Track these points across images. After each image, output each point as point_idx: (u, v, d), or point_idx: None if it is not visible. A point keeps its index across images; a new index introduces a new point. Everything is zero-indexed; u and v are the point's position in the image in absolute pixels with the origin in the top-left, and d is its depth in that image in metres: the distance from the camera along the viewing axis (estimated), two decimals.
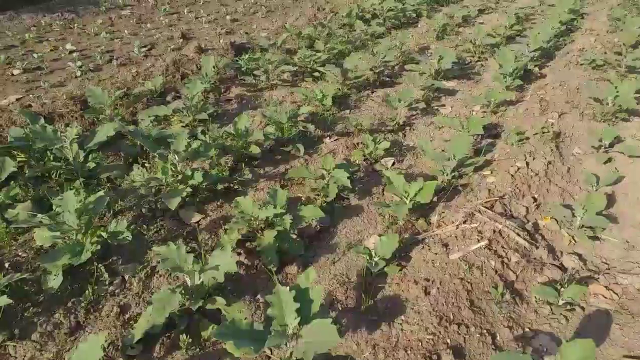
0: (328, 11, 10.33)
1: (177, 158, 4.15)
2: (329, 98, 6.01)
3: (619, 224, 4.21)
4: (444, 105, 6.53)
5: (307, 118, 5.94)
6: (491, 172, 4.78)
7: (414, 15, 10.19)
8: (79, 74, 7.28)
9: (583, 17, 10.35)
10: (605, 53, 8.10)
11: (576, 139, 5.50)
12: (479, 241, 3.61)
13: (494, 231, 3.74)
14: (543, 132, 5.27)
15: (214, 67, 7.05)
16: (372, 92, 6.94)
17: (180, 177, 4.15)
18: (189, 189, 4.11)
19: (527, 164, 4.76)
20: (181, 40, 8.88)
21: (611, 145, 5.35)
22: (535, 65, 7.40)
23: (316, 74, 7.17)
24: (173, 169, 4.16)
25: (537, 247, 3.73)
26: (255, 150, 4.80)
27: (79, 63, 7.52)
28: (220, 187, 4.39)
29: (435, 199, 4.51)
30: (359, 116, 6.15)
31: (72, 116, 5.56)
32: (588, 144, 5.31)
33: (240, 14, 11.00)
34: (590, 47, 8.14)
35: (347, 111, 6.27)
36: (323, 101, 6.02)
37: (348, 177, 4.37)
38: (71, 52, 8.36)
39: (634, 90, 5.99)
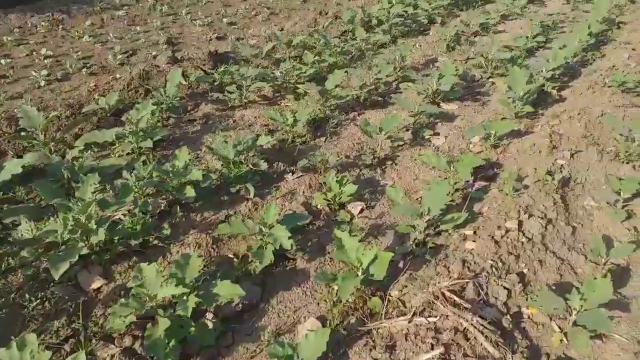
0: (331, 16, 9.45)
1: (79, 207, 3.40)
2: (299, 124, 5.18)
3: (631, 312, 3.25)
4: (438, 134, 5.60)
5: (274, 146, 5.15)
6: (474, 232, 3.86)
7: (426, 22, 9.19)
8: (42, 83, 6.66)
9: (619, 26, 9.14)
10: None
11: (590, 186, 4.52)
12: (432, 347, 2.73)
13: (456, 331, 2.85)
14: (547, 179, 4.30)
15: (185, 80, 6.33)
16: (359, 115, 6.06)
17: (79, 232, 3.40)
18: (85, 250, 3.36)
19: (520, 224, 3.83)
20: (165, 46, 8.18)
21: (635, 195, 4.37)
22: (554, 87, 6.37)
23: (300, 90, 6.34)
24: (75, 221, 3.41)
25: (513, 353, 2.83)
26: (190, 193, 4.02)
27: (44, 72, 6.91)
28: (134, 242, 3.63)
29: (401, 263, 3.65)
30: (336, 145, 5.30)
31: (3, 140, 4.90)
32: (605, 194, 4.32)
33: (240, 17, 10.24)
34: (623, 65, 7.02)
35: (323, 139, 5.42)
36: (294, 127, 5.20)
37: (290, 237, 3.54)
38: (47, 57, 7.78)
39: None
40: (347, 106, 6.20)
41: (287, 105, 6.21)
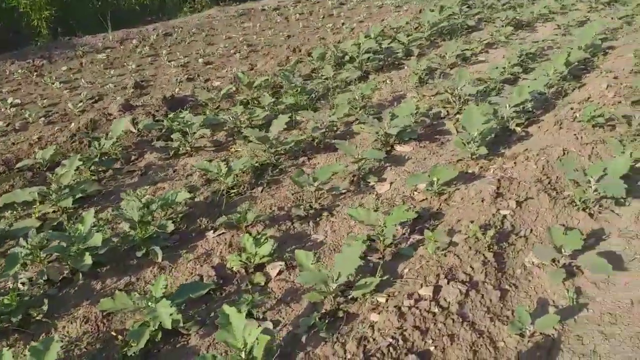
0: (304, 53, 9.27)
1: None
2: (232, 174, 4.92)
3: None
4: (384, 179, 5.25)
5: (206, 198, 4.90)
6: (387, 299, 3.48)
7: (401, 55, 8.90)
8: None
9: (606, 53, 8.67)
10: (620, 103, 6.51)
11: (536, 239, 4.10)
12: None
13: None
14: (478, 235, 3.89)
15: (134, 128, 6.18)
16: (310, 160, 5.77)
17: None
18: None
19: (436, 290, 3.43)
20: (132, 90, 8.11)
21: (585, 249, 3.94)
22: (518, 124, 5.96)
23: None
24: None
25: None
26: (87, 260, 3.77)
27: (1, 123, 6.87)
28: (15, 319, 3.38)
29: (304, 338, 3.30)
30: (272, 195, 5.01)
31: None
32: (547, 249, 3.89)
33: (217, 56, 10.17)
34: (599, 96, 6.57)
35: (260, 189, 5.14)
36: (227, 177, 4.94)
37: (180, 311, 3.24)
38: (14, 106, 7.77)
39: (627, 168, 4.50)
40: (298, 150, 5.92)
41: (237, 151, 5.98)
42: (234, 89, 7.51)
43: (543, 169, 4.94)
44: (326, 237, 4.44)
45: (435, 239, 3.84)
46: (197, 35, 12.05)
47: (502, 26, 10.52)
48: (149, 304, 3.28)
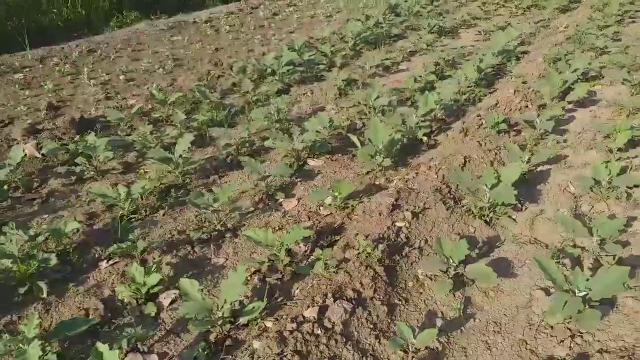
0: (226, 66, 9.18)
1: None
2: (128, 202, 4.78)
3: None
4: (293, 195, 5.23)
5: (106, 224, 4.73)
6: (274, 323, 3.44)
7: (323, 67, 8.94)
8: None
9: (519, 58, 8.99)
10: (526, 107, 6.74)
11: (431, 250, 4.15)
12: None
13: None
14: (367, 249, 3.90)
15: (38, 154, 5.92)
16: (220, 178, 5.68)
17: None
18: None
19: (322, 310, 3.41)
20: (45, 112, 7.79)
21: (480, 257, 4.05)
22: (426, 134, 6.07)
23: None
24: None
25: None
26: None
27: None
28: None
29: None
30: (175, 218, 4.89)
31: None
32: (438, 260, 3.94)
33: (141, 72, 9.92)
34: (506, 102, 6.78)
35: (162, 212, 5.01)
36: (125, 203, 4.79)
37: (50, 354, 3.08)
38: None
39: (518, 174, 4.63)
40: (210, 169, 5.83)
41: (145, 172, 5.82)
42: (149, 107, 7.34)
43: (443, 178, 5.02)
44: (227, 259, 4.36)
45: (326, 256, 3.83)
46: (123, 50, 11.74)
47: (427, 33, 10.73)
48: (20, 345, 3.11)
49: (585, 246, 4.08)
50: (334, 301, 3.45)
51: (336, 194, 4.72)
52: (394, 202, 4.60)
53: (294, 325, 3.26)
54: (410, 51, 10.04)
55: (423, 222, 4.40)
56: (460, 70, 7.87)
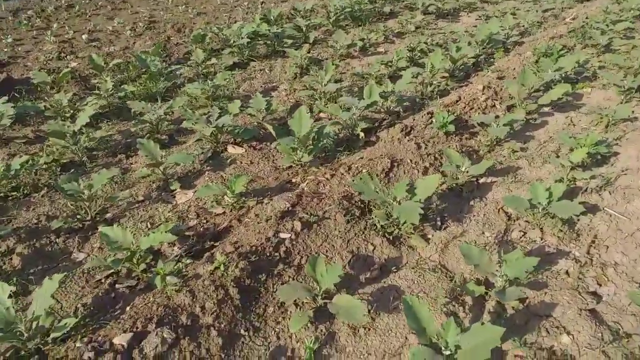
0: (188, 33, 8.55)
1: None
2: (4, 179, 4.28)
3: None
4: (194, 186, 4.66)
5: None
6: (73, 348, 2.91)
7: (290, 42, 8.22)
8: None
9: (509, 50, 8.11)
10: (493, 106, 5.98)
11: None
12: None
13: None
14: (220, 265, 3.33)
15: None
16: (128, 158, 5.15)
17: None
18: None
19: (140, 336, 2.86)
20: None
21: (369, 283, 3.47)
22: (364, 129, 5.37)
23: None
24: None
25: None
26: None
27: None
28: None
29: None
30: (53, 202, 4.38)
31: None
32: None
33: (108, 32, 9.38)
34: (471, 99, 6.01)
35: (42, 193, 4.50)
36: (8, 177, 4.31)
37: None
38: None
39: (433, 188, 3.96)
40: (121, 147, 5.29)
41: (50, 146, 5.31)
42: (88, 72, 6.81)
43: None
44: (88, 256, 3.85)
45: (166, 270, 3.27)
46: (103, 8, 11.21)
47: (420, 14, 9.86)
48: None
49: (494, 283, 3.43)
50: (156, 327, 2.90)
51: (229, 191, 4.13)
52: (289, 208, 3.99)
53: (92, 354, 2.72)
54: (397, 32, 9.23)
55: (314, 235, 3.78)
56: (432, 55, 7.05)
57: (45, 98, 5.93)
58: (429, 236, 3.98)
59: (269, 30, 7.88)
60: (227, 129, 5.03)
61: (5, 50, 8.33)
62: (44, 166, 4.81)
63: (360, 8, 9.65)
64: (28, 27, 9.65)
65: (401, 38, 9.07)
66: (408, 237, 3.93)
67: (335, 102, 6.01)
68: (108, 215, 4.26)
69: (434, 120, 5.40)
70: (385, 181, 4.46)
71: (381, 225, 3.90)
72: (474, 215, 4.22)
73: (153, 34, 9.11)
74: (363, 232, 3.88)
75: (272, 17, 8.50)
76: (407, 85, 5.96)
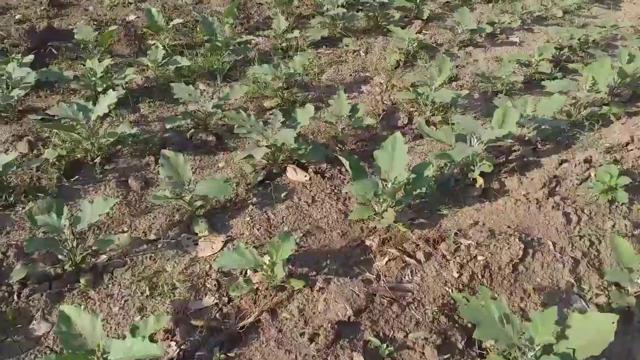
0: None
1: None
2: None
3: None
4: (227, 230, 3.29)
5: None
6: None
7: (407, 14, 6.46)
8: None
9: None
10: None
11: None
12: None
13: None
14: None
15: None
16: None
17: None
18: None
19: None
20: (46, 6, 6.30)
21: None
22: (483, 173, 3.67)
23: None
24: None
25: None
26: None
27: None
28: None
29: None
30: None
31: None
32: None
33: None
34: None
35: (20, 208, 3.33)
36: None
37: None
38: None
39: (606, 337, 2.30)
40: (152, 144, 4.03)
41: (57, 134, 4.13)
42: (144, 29, 5.56)
43: (471, 281, 2.78)
44: (51, 330, 2.63)
45: None
46: None
47: None
48: None
49: None
50: None
51: (266, 259, 2.71)
52: (351, 316, 2.50)
53: None
54: (537, 16, 7.13)
55: None
56: (595, 65, 5.01)
57: (82, 64, 4.72)
58: None
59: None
60: (289, 147, 3.57)
61: None
62: (51, 161, 3.64)
63: None
64: None
65: (543, 25, 6.97)
66: None
67: (446, 119, 4.34)
68: (101, 259, 3.01)
69: (592, 176, 3.61)
70: (510, 279, 2.83)
71: None
72: None
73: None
74: None
75: None
76: (555, 107, 4.14)
